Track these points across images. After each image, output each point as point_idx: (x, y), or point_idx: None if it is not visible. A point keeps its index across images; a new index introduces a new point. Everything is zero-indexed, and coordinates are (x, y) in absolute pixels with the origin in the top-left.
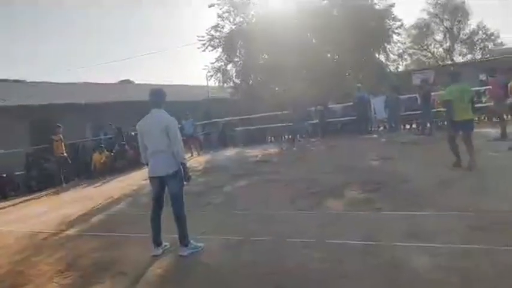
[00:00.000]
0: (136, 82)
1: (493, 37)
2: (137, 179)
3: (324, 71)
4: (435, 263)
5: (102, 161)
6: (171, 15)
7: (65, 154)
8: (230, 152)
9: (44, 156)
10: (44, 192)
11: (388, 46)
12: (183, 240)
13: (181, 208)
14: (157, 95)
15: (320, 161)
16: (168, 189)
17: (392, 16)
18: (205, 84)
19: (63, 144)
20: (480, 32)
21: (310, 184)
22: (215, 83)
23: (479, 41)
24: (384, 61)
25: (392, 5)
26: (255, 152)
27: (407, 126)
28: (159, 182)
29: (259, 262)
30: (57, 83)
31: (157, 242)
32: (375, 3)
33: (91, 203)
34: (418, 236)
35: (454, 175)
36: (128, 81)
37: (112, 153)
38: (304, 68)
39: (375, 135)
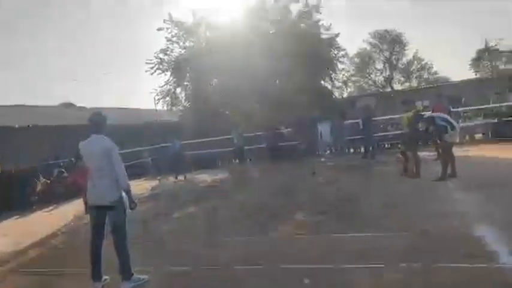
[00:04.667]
0: (78, 105)
1: (427, 67)
2: (76, 208)
3: (274, 96)
4: (381, 283)
5: (38, 189)
6: (119, 37)
7: None
8: (179, 177)
9: None
10: None
11: (333, 74)
12: (125, 273)
13: (123, 239)
14: (97, 119)
15: (270, 184)
16: (110, 218)
17: (337, 46)
18: (153, 107)
19: None
20: (415, 62)
21: (260, 208)
22: (163, 106)
23: (415, 70)
24: (330, 88)
25: (337, 35)
26: (205, 177)
27: (352, 150)
28: (99, 211)
29: None
30: None
31: (97, 277)
32: (321, 33)
33: (24, 236)
34: (365, 257)
35: (397, 197)
36: (69, 104)
37: (49, 181)
38: (255, 93)
39: (322, 159)
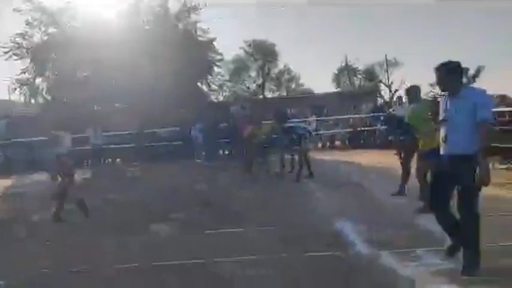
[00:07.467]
0: None
1: (295, 78)
2: None
3: (146, 95)
4: (254, 274)
5: None
6: None
7: None
8: (39, 176)
9: None
10: None
11: (210, 77)
12: None
13: None
14: None
15: (146, 185)
16: None
17: (214, 49)
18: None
19: None
20: (286, 73)
21: (135, 208)
22: (20, 98)
23: (285, 80)
24: (205, 90)
25: (213, 39)
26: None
27: (226, 152)
28: None
29: None
30: None
31: None
32: (199, 35)
33: None
34: (238, 251)
35: (266, 196)
36: None
37: None
38: (124, 90)
39: (198, 160)
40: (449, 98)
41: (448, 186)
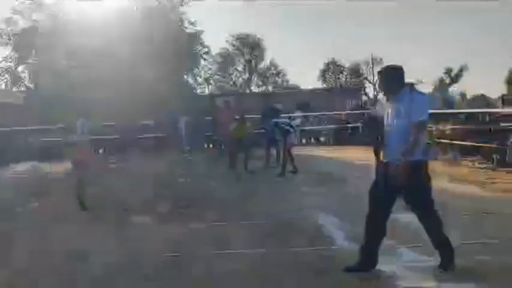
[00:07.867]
0: None
1: (281, 74)
2: None
3: (134, 86)
4: (240, 268)
5: None
6: None
7: None
8: (22, 167)
9: None
10: None
11: (196, 70)
12: None
13: None
14: None
15: (131, 178)
16: None
17: (201, 42)
18: None
19: None
20: (272, 68)
21: (120, 201)
22: (1, 85)
23: (271, 75)
24: (192, 83)
25: (200, 32)
26: (55, 168)
27: (211, 146)
28: None
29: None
30: None
31: None
32: (186, 27)
33: None
34: (223, 245)
35: (251, 191)
36: None
37: None
38: (112, 80)
39: (185, 154)
40: (390, 102)
41: (388, 195)
